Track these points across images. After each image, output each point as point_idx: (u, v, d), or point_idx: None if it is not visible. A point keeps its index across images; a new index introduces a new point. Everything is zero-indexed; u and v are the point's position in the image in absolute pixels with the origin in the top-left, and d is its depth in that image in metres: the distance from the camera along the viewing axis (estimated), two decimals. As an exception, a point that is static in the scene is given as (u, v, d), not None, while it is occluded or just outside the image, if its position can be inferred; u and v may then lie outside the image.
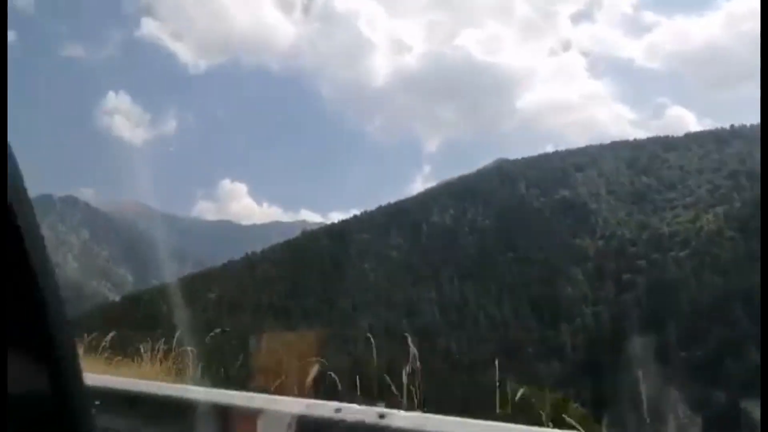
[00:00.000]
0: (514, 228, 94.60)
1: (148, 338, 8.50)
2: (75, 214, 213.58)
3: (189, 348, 8.01)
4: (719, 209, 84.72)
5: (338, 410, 3.80)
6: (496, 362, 5.76)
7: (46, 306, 0.73)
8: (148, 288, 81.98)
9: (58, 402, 0.76)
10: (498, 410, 4.85)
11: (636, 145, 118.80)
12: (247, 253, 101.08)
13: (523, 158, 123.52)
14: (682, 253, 77.54)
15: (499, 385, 5.70)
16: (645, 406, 4.93)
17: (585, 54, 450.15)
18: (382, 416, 3.68)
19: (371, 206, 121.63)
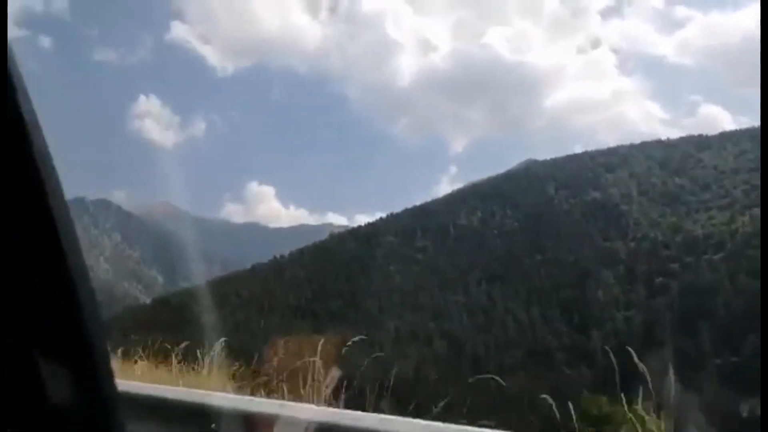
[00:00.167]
0: (543, 230, 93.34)
1: (179, 341, 8.48)
2: (107, 216, 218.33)
3: (218, 351, 7.98)
4: (756, 211, 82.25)
5: (354, 418, 3.73)
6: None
7: (81, 309, 0.74)
8: (178, 290, 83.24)
9: (90, 406, 0.77)
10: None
11: (668, 145, 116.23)
12: (275, 256, 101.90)
13: (551, 159, 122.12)
14: (716, 256, 75.50)
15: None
16: (678, 414, 4.66)
17: (615, 51, 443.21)
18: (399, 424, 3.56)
19: (397, 208, 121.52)
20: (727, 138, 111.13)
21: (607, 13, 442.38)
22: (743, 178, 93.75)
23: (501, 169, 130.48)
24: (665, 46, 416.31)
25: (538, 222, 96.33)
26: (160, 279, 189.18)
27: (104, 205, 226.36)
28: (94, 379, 0.77)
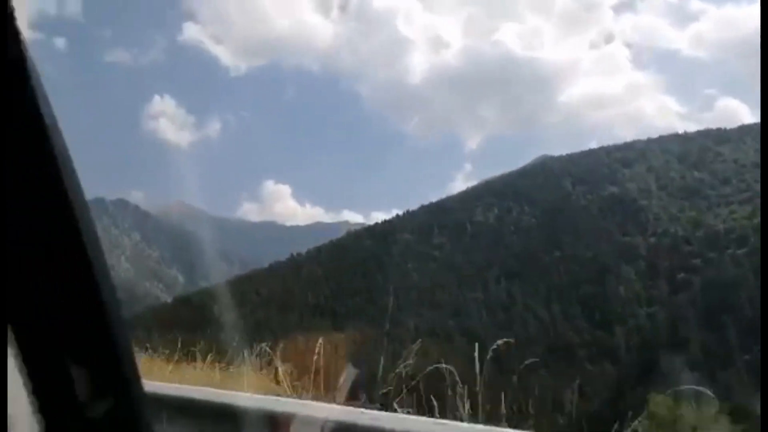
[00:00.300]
0: (560, 226, 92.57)
1: (201, 339, 8.51)
2: (126, 216, 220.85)
3: (240, 349, 7.99)
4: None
5: (370, 416, 3.68)
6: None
7: (105, 310, 0.75)
8: (199, 289, 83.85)
9: (117, 406, 0.77)
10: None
11: (686, 138, 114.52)
12: (292, 254, 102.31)
13: (567, 154, 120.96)
14: (740, 251, 74.21)
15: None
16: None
17: (628, 45, 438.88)
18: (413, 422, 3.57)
19: (412, 206, 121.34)
20: (746, 131, 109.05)
21: (619, 8, 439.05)
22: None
23: (516, 165, 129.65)
24: (679, 40, 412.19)
25: (556, 218, 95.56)
26: (180, 278, 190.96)
27: (123, 205, 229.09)
28: (121, 379, 0.78)
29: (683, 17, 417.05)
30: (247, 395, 4.62)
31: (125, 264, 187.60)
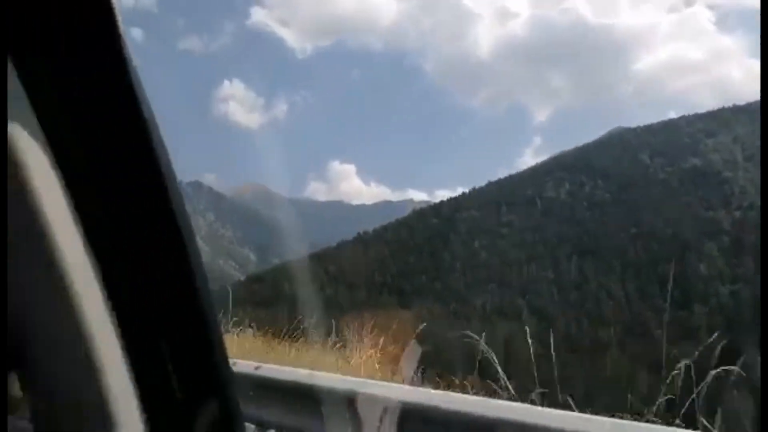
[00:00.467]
0: (637, 201, 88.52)
1: (273, 316, 8.54)
2: (201, 198, 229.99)
3: (309, 326, 7.97)
4: None
5: (433, 395, 3.83)
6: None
7: (197, 289, 0.78)
8: (270, 267, 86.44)
9: (208, 381, 0.81)
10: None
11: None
12: (359, 233, 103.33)
13: (644, 125, 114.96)
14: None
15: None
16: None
17: (712, 7, 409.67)
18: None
19: (478, 183, 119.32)
20: None
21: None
22: None
23: (588, 138, 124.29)
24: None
25: (632, 193, 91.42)
26: (252, 257, 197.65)
27: (197, 186, 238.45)
28: (209, 357, 0.80)
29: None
30: (319, 374, 4.66)
31: (201, 244, 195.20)
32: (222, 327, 8.40)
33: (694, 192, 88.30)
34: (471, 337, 6.46)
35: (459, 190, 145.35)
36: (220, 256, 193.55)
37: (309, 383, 4.19)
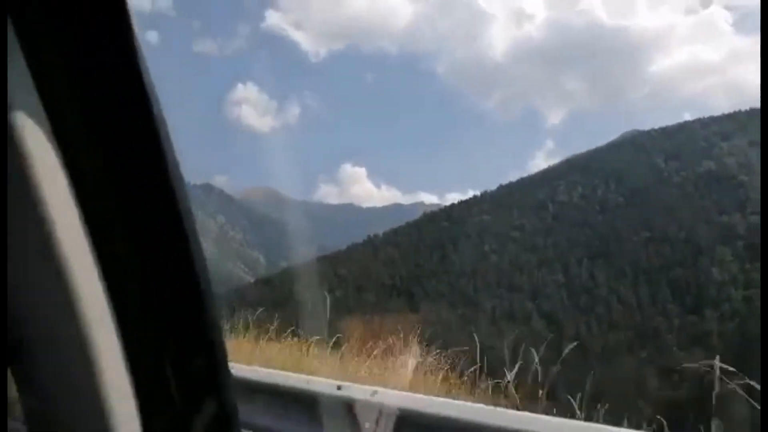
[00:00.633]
0: (651, 205, 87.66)
1: (279, 319, 8.45)
2: (211, 200, 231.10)
3: (314, 329, 7.83)
4: None
5: (430, 403, 3.70)
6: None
7: (199, 290, 0.78)
8: (279, 270, 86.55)
9: (206, 382, 0.80)
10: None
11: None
12: (369, 236, 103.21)
13: (659, 128, 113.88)
14: None
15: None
16: None
17: (730, 8, 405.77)
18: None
19: (490, 186, 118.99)
20: None
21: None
22: None
23: (602, 141, 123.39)
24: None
25: (645, 196, 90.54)
26: (262, 259, 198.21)
27: (208, 189, 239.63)
28: (209, 357, 0.80)
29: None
30: (316, 379, 4.51)
31: (211, 246, 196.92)
32: (236, 330, 8.31)
33: (709, 196, 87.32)
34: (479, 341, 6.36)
35: (470, 193, 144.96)
36: (230, 259, 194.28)
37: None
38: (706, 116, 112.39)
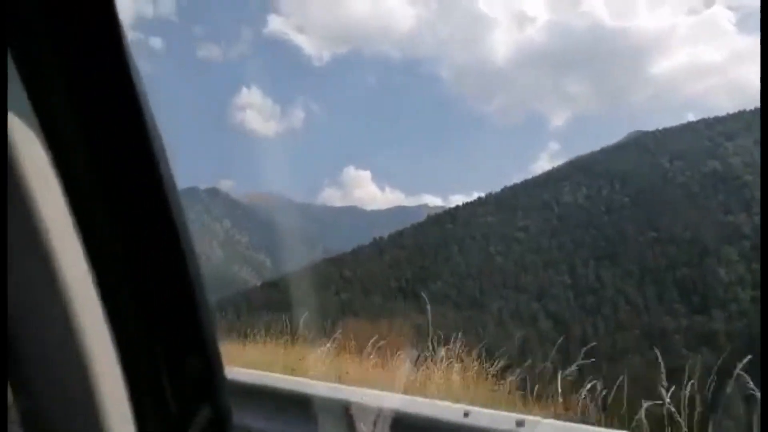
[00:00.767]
0: (656, 206, 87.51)
1: (285, 322, 8.55)
2: (217, 204, 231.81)
3: (320, 331, 7.92)
4: None
5: (419, 405, 3.70)
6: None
7: (194, 294, 0.78)
8: (286, 273, 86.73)
9: (201, 386, 0.80)
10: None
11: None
12: (374, 238, 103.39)
13: (663, 129, 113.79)
14: None
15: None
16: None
17: (733, 8, 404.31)
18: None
19: (494, 188, 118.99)
20: None
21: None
22: None
23: (605, 142, 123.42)
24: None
25: (651, 197, 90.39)
26: (268, 263, 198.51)
27: (214, 193, 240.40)
28: (203, 361, 0.80)
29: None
30: (308, 381, 4.57)
31: (217, 249, 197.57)
32: (252, 335, 8.42)
33: (714, 196, 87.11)
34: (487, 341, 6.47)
35: (474, 195, 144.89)
36: (236, 262, 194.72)
37: None
38: (710, 116, 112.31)
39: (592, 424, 4.19)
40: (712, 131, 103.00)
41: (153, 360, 0.74)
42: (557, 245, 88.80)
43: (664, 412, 4.35)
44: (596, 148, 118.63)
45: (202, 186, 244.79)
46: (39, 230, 0.63)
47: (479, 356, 6.43)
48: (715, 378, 4.95)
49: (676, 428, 4.30)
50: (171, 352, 0.76)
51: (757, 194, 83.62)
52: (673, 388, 4.60)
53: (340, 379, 5.36)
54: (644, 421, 4.36)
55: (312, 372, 5.90)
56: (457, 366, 6.06)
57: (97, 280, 0.70)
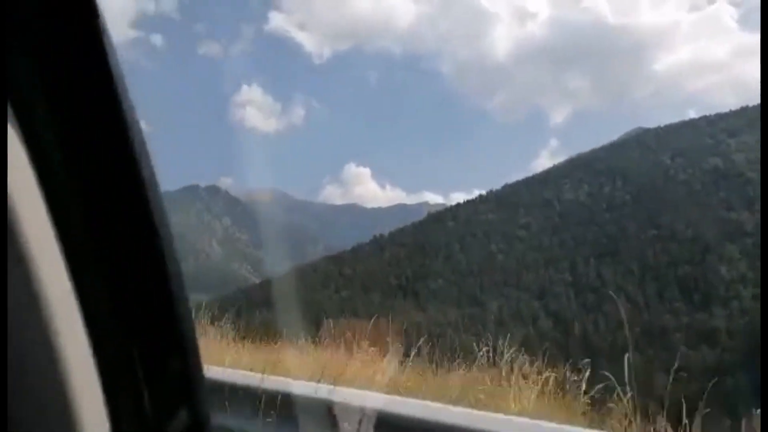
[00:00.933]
0: (658, 203, 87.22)
1: (283, 320, 8.30)
2: (217, 202, 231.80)
3: (317, 329, 7.67)
4: None
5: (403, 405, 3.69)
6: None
7: (173, 294, 0.77)
8: (284, 271, 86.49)
9: (179, 387, 0.79)
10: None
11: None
12: (375, 236, 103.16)
13: (664, 125, 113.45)
14: None
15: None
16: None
17: (735, 5, 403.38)
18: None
19: (495, 185, 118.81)
20: None
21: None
22: None
23: (607, 139, 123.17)
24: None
25: (652, 194, 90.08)
26: (268, 260, 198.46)
27: (214, 191, 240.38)
28: (181, 361, 0.79)
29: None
30: (295, 382, 4.51)
31: (217, 247, 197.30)
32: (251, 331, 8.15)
33: (716, 193, 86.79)
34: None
35: (475, 193, 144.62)
36: (236, 260, 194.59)
37: None
38: (712, 113, 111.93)
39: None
40: (713, 128, 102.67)
41: (130, 361, 0.73)
42: (559, 243, 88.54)
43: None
44: (597, 144, 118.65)
45: (203, 183, 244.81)
46: (15, 231, 0.63)
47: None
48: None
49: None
50: (148, 352, 0.75)
51: (759, 191, 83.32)
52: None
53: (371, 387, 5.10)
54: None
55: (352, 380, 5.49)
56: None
57: (74, 280, 0.69)
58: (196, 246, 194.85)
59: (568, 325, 66.64)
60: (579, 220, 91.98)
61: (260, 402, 4.10)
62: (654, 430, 4.21)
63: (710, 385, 4.50)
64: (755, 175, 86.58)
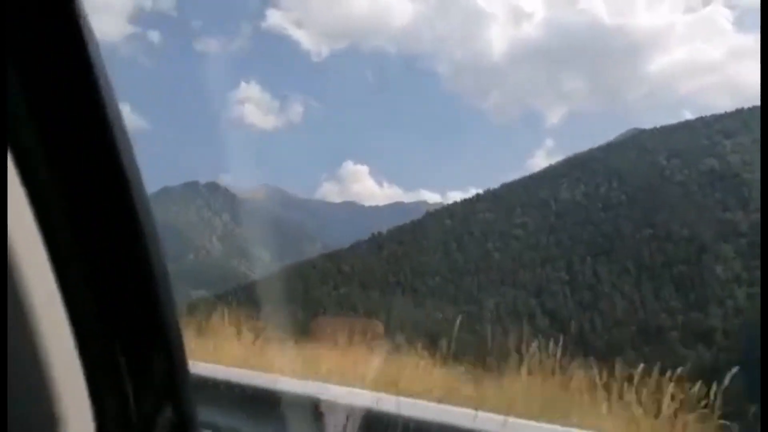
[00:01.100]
0: (653, 203, 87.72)
1: (281, 316, 8.69)
2: (217, 198, 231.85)
3: (314, 325, 8.02)
4: None
5: (402, 405, 3.74)
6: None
7: (158, 291, 0.77)
8: (285, 267, 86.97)
9: (164, 386, 0.79)
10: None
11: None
12: (373, 234, 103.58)
13: (660, 127, 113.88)
14: None
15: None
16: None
17: (731, 6, 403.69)
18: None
19: (492, 184, 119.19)
20: None
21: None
22: None
23: (602, 140, 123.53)
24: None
25: (648, 194, 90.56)
26: (267, 257, 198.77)
27: (214, 187, 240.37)
28: (166, 359, 0.78)
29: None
30: (280, 379, 4.64)
31: (216, 243, 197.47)
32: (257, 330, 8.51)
33: (712, 194, 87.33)
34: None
35: (472, 191, 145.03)
36: (235, 257, 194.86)
37: None
38: (707, 114, 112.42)
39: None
40: (709, 129, 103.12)
41: (115, 361, 0.73)
42: (555, 242, 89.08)
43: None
44: (592, 145, 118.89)
45: (202, 180, 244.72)
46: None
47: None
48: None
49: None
50: (134, 352, 0.75)
51: (755, 192, 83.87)
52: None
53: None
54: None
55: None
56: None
57: (59, 281, 0.68)
58: (196, 242, 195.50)
59: (564, 323, 67.23)
60: (575, 219, 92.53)
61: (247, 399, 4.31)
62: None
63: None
64: (751, 176, 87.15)
